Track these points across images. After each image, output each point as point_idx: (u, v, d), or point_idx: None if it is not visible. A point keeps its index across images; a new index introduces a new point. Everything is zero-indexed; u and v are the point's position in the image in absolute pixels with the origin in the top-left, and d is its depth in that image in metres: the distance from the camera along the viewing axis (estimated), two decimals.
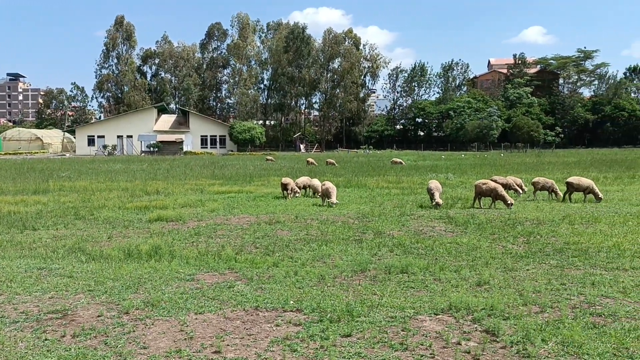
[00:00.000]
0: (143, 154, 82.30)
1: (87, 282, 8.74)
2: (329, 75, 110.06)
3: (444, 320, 6.92)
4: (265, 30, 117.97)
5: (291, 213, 16.43)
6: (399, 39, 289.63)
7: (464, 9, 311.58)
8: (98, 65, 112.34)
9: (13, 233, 13.37)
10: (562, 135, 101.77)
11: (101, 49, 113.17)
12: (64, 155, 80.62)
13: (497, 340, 6.23)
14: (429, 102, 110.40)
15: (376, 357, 5.82)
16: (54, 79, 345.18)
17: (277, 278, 8.84)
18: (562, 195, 19.59)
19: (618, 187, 24.02)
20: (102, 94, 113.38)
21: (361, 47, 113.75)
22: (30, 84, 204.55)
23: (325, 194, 18.53)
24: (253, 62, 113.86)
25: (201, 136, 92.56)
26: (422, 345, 6.12)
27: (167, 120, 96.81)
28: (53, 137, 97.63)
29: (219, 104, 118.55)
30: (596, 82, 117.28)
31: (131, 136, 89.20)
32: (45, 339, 6.34)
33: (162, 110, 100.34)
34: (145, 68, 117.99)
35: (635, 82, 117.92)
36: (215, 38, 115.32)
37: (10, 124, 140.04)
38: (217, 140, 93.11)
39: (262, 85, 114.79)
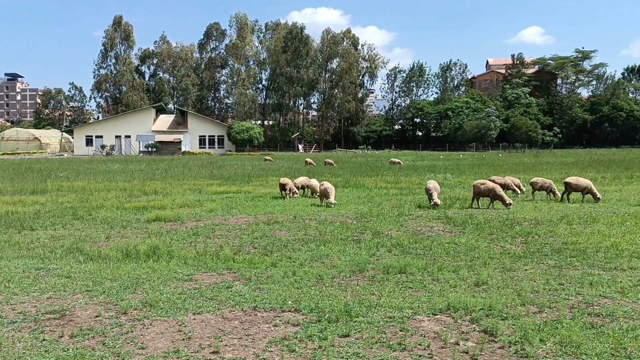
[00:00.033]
0: (141, 154, 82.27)
1: (85, 282, 8.73)
2: (327, 75, 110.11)
3: (442, 320, 6.92)
4: (264, 31, 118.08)
5: (289, 213, 16.42)
6: (397, 39, 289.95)
7: (463, 9, 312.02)
8: (96, 65, 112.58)
9: (11, 233, 13.35)
10: (560, 136, 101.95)
11: (99, 49, 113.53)
12: (62, 155, 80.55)
13: (495, 340, 6.24)
14: (427, 103, 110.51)
15: (374, 357, 5.82)
16: (52, 79, 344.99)
17: (275, 278, 8.84)
18: (560, 196, 19.60)
19: (616, 187, 24.06)
20: (100, 94, 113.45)
21: (359, 47, 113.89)
22: (28, 84, 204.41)
23: (324, 194, 18.52)
24: (251, 62, 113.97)
25: (199, 136, 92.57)
26: (420, 345, 6.12)
27: (165, 120, 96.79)
28: (51, 137, 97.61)
29: (217, 104, 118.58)
30: (594, 82, 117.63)
31: (129, 136, 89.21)
32: (43, 340, 6.33)
33: (161, 111, 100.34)
34: (144, 68, 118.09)
35: (633, 82, 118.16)
36: (214, 38, 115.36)
37: (8, 124, 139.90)
38: (216, 140, 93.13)
39: (260, 86, 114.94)
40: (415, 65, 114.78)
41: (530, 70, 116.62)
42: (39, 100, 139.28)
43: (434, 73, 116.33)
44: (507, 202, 17.25)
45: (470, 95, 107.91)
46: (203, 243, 11.95)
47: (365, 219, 15.08)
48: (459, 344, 6.15)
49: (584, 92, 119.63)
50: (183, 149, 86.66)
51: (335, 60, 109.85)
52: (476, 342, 6.19)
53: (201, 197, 21.19)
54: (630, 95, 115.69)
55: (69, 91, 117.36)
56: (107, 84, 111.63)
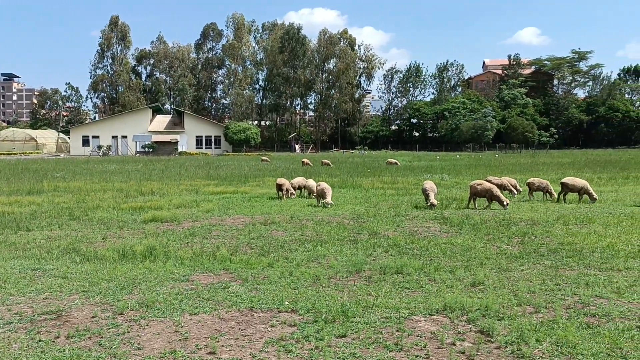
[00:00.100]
0: (138, 155, 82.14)
1: (82, 283, 8.71)
2: (324, 75, 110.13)
3: (439, 320, 6.93)
4: (261, 31, 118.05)
5: (286, 214, 16.42)
6: (394, 39, 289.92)
7: (459, 9, 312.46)
8: (93, 65, 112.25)
9: (7, 234, 13.32)
10: (557, 136, 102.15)
11: (96, 49, 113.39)
12: (59, 155, 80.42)
13: (492, 340, 6.25)
14: (424, 103, 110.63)
15: (371, 358, 5.82)
16: (49, 79, 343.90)
17: (272, 279, 8.84)
18: (556, 196, 19.64)
19: (612, 187, 24.11)
20: (96, 94, 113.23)
21: (356, 47, 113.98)
22: (24, 84, 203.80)
23: (321, 195, 18.53)
24: (248, 63, 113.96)
25: (196, 137, 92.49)
26: (416, 345, 6.12)
27: (162, 120, 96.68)
28: (47, 137, 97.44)
29: (214, 105, 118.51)
30: (590, 83, 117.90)
31: (126, 137, 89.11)
32: (39, 340, 6.32)
33: (157, 111, 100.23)
34: (140, 68, 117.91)
35: (629, 83, 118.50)
36: (211, 38, 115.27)
37: (5, 124, 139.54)
38: (212, 140, 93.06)
39: (257, 86, 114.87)
40: (412, 65, 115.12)
41: (527, 71, 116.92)
42: (35, 101, 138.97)
43: (431, 74, 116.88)
44: (504, 202, 17.27)
45: (466, 96, 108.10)
46: (200, 243, 11.94)
47: (362, 220, 15.09)
48: (455, 344, 6.16)
49: (580, 93, 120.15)
50: (180, 149, 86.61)
51: (332, 61, 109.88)
52: (473, 343, 6.20)
53: (198, 197, 21.17)
54: (626, 96, 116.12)
55: (66, 91, 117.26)
56: (104, 84, 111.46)
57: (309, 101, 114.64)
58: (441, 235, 12.76)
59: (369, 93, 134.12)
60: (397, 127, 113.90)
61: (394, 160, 47.15)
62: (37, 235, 13.17)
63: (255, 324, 6.83)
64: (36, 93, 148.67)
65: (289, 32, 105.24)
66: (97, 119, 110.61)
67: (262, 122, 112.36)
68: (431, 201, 17.45)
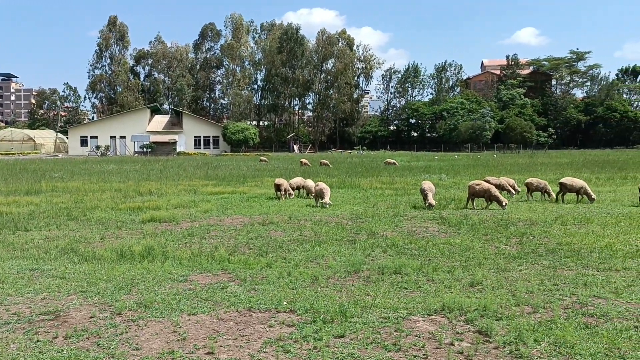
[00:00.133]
0: (136, 155, 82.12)
1: (80, 283, 8.71)
2: (322, 76, 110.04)
3: (437, 320, 6.93)
4: (259, 31, 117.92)
5: (285, 214, 16.42)
6: (392, 39, 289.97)
7: (458, 10, 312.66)
8: (91, 65, 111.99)
9: (5, 234, 13.31)
10: (555, 136, 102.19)
11: (94, 49, 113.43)
12: (57, 155, 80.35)
13: (490, 340, 6.25)
14: (422, 103, 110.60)
15: (369, 358, 5.82)
16: (47, 79, 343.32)
17: (270, 279, 8.84)
18: (555, 196, 19.66)
19: (610, 187, 24.15)
20: (95, 95, 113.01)
21: (355, 48, 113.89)
22: (22, 84, 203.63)
23: (319, 195, 18.53)
24: (247, 63, 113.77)
25: (194, 137, 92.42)
26: (415, 345, 6.13)
27: (160, 120, 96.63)
28: (45, 137, 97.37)
29: (213, 105, 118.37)
30: (588, 83, 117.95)
31: (124, 137, 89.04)
32: (37, 341, 6.31)
33: (155, 111, 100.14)
34: (139, 68, 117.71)
35: (627, 83, 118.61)
36: (209, 38, 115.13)
37: (3, 124, 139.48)
38: (211, 140, 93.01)
39: (255, 86, 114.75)
40: (411, 66, 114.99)
41: (525, 71, 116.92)
42: (33, 101, 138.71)
43: (429, 74, 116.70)
44: (503, 202, 17.29)
45: (465, 96, 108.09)
46: (198, 244, 11.93)
47: (360, 220, 15.09)
48: (453, 345, 6.17)
49: (579, 93, 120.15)
50: (178, 149, 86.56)
51: (330, 61, 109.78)
52: (471, 343, 6.20)
53: (196, 197, 21.16)
54: (624, 96, 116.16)
55: (64, 91, 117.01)
56: (102, 85, 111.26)
57: (307, 101, 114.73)
58: (439, 236, 12.77)
59: (368, 93, 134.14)
60: (395, 128, 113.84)
61: (392, 161, 47.15)
62: (35, 235, 13.16)
63: (254, 324, 6.83)
64: (34, 93, 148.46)
65: (288, 32, 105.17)
66: (95, 119, 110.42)
67: (261, 123, 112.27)
68: (429, 201, 17.46)
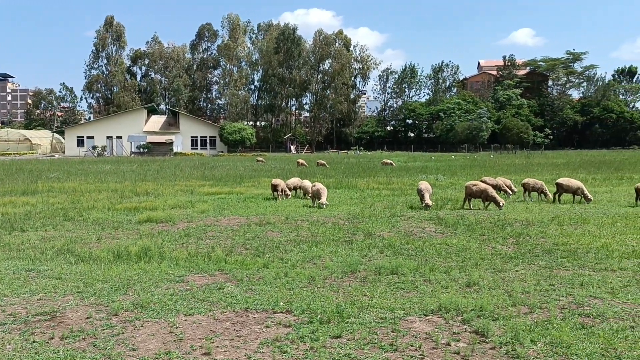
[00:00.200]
0: (133, 155, 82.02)
1: (76, 283, 8.69)
2: (319, 76, 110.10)
3: (434, 321, 6.94)
4: (256, 31, 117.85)
5: (281, 214, 16.41)
6: (389, 40, 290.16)
7: (455, 10, 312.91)
8: (87, 65, 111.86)
9: (1, 234, 13.27)
10: (551, 137, 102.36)
11: (91, 49, 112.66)
12: (53, 156, 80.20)
13: (487, 341, 6.26)
14: (419, 104, 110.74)
15: (366, 358, 5.82)
16: (43, 79, 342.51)
17: (267, 279, 8.83)
18: (551, 197, 19.69)
19: (606, 188, 24.20)
20: (91, 95, 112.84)
21: (352, 48, 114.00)
22: (19, 84, 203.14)
23: (316, 195, 18.53)
24: (243, 63, 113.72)
25: (191, 137, 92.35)
26: (411, 346, 6.13)
27: (157, 121, 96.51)
28: (42, 137, 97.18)
29: (209, 105, 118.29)
30: (585, 84, 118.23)
31: (121, 137, 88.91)
32: (34, 341, 6.29)
33: (152, 111, 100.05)
34: (135, 69, 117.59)
35: (623, 84, 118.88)
36: (206, 39, 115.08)
37: None
38: (208, 141, 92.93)
39: (252, 86, 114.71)
40: (407, 66, 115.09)
41: (522, 72, 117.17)
42: (29, 101, 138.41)
43: (426, 74, 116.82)
44: (500, 203, 17.31)
45: (461, 97, 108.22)
46: (195, 244, 11.92)
47: (357, 220, 15.09)
48: (450, 345, 6.17)
49: (575, 94, 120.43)
50: (175, 149, 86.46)
51: (327, 62, 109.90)
52: (467, 343, 6.21)
53: (193, 198, 21.14)
54: (621, 96, 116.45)
55: (60, 92, 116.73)
56: (99, 85, 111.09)
57: (304, 102, 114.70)
58: (436, 236, 12.77)
59: (364, 94, 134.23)
60: (392, 128, 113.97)
61: (389, 161, 47.18)
62: (32, 235, 13.13)
63: (250, 325, 6.83)
64: (30, 93, 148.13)
65: (285, 32, 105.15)
66: (91, 119, 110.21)
67: (258, 123, 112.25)
68: (426, 202, 17.48)
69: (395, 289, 8.33)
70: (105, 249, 11.17)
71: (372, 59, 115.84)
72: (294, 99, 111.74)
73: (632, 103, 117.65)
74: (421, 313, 7.19)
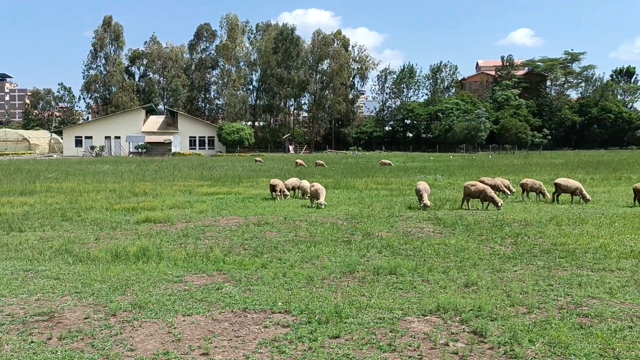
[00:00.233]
0: (131, 155, 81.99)
1: (74, 284, 8.68)
2: (318, 76, 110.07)
3: (432, 321, 6.94)
4: (254, 31, 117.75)
5: (280, 214, 16.41)
6: (387, 40, 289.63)
7: (453, 11, 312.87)
8: (86, 65, 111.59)
9: None
10: (550, 137, 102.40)
11: (89, 49, 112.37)
12: (51, 156, 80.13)
13: (485, 341, 6.26)
14: (417, 104, 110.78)
15: (364, 359, 5.82)
16: (41, 80, 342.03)
17: (265, 279, 8.83)
18: (550, 197, 19.71)
19: (605, 188, 24.22)
20: (89, 95, 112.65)
21: (350, 48, 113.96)
22: (17, 85, 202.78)
23: (314, 196, 18.53)
24: (242, 63, 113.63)
25: (190, 137, 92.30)
26: (410, 346, 6.13)
27: (155, 121, 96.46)
28: (40, 137, 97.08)
29: (208, 105, 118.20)
30: (583, 84, 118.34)
31: (119, 137, 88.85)
32: (32, 342, 6.29)
33: (151, 111, 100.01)
34: (134, 69, 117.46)
35: (621, 84, 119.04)
36: (204, 39, 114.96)
37: None
38: (206, 141, 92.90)
39: (251, 87, 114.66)
40: (406, 66, 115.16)
41: (520, 72, 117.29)
42: (27, 101, 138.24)
43: (424, 74, 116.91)
44: (498, 203, 17.33)
45: (460, 97, 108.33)
46: (193, 244, 11.91)
47: (355, 220, 15.10)
48: (448, 345, 6.17)
49: (573, 94, 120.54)
50: (173, 150, 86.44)
51: (325, 62, 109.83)
52: (466, 343, 6.21)
53: (191, 198, 21.13)
54: (619, 97, 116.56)
55: (58, 92, 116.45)
56: (97, 85, 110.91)
57: (302, 102, 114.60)
58: (435, 236, 12.78)
59: (363, 94, 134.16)
60: (390, 128, 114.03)
61: (387, 161, 47.21)
62: (30, 236, 13.12)
63: (249, 325, 6.82)
64: (29, 93, 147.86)
65: (283, 32, 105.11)
66: (90, 119, 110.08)
67: (256, 123, 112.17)
68: (425, 202, 17.48)
69: (393, 289, 8.33)
70: (103, 249, 11.16)
71: (370, 59, 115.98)
72: (292, 99, 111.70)
73: (630, 103, 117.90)
74: (419, 313, 7.20)
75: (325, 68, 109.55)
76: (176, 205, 18.78)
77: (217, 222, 14.97)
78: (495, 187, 19.79)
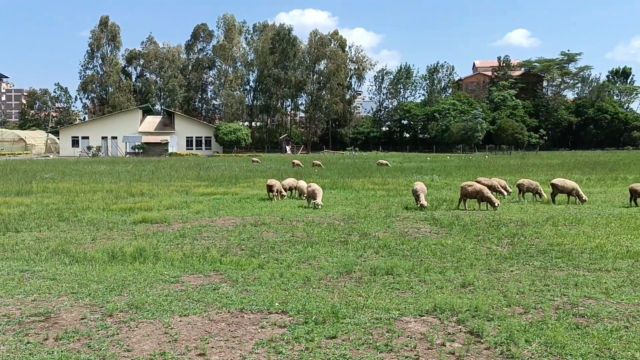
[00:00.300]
0: (128, 155, 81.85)
1: (71, 284, 8.67)
2: (314, 77, 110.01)
3: (429, 321, 6.95)
4: (251, 32, 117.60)
5: (277, 215, 16.41)
6: (384, 41, 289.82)
7: (450, 11, 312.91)
8: (82, 66, 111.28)
9: None
10: (546, 138, 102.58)
11: (85, 49, 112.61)
12: (48, 156, 79.94)
13: (481, 341, 6.27)
14: (414, 104, 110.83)
15: (361, 359, 5.83)
16: (38, 80, 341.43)
17: (262, 280, 8.83)
18: (546, 197, 19.74)
19: (601, 188, 24.28)
20: (86, 95, 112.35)
21: (347, 49, 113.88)
22: (13, 85, 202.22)
23: (311, 196, 18.53)
24: (239, 64, 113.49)
25: (186, 137, 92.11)
26: (406, 346, 6.14)
27: (152, 121, 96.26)
28: (36, 138, 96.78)
29: (205, 105, 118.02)
30: (579, 84, 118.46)
31: (116, 137, 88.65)
32: (28, 342, 6.27)
33: (147, 112, 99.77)
34: (130, 69, 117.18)
35: (617, 85, 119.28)
36: (201, 39, 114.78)
37: None
38: (203, 141, 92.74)
39: (247, 87, 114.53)
40: (403, 67, 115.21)
41: (517, 73, 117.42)
42: (24, 101, 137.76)
43: (421, 75, 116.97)
44: (495, 203, 17.35)
45: (457, 97, 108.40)
46: (190, 245, 11.91)
47: (352, 221, 15.10)
48: (445, 345, 6.18)
49: (570, 95, 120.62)
50: (170, 150, 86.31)
51: (322, 62, 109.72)
52: (462, 343, 6.22)
53: (188, 198, 21.12)
54: (615, 97, 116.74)
55: (55, 92, 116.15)
56: (94, 85, 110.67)
57: (299, 102, 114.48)
58: (431, 236, 12.79)
59: (360, 94, 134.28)
60: (387, 129, 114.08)
61: (384, 162, 47.20)
62: (26, 236, 13.09)
63: (246, 326, 6.82)
64: (25, 93, 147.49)
65: (280, 33, 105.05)
66: (86, 119, 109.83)
67: (253, 123, 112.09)
68: (421, 202, 17.50)
69: (390, 289, 8.34)
70: (100, 250, 11.15)
71: (367, 59, 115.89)
72: (289, 100, 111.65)
73: (627, 104, 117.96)
74: (416, 313, 7.20)
75: (322, 68, 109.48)
76: (173, 205, 18.76)
77: (214, 223, 14.96)
78: (491, 188, 19.82)
